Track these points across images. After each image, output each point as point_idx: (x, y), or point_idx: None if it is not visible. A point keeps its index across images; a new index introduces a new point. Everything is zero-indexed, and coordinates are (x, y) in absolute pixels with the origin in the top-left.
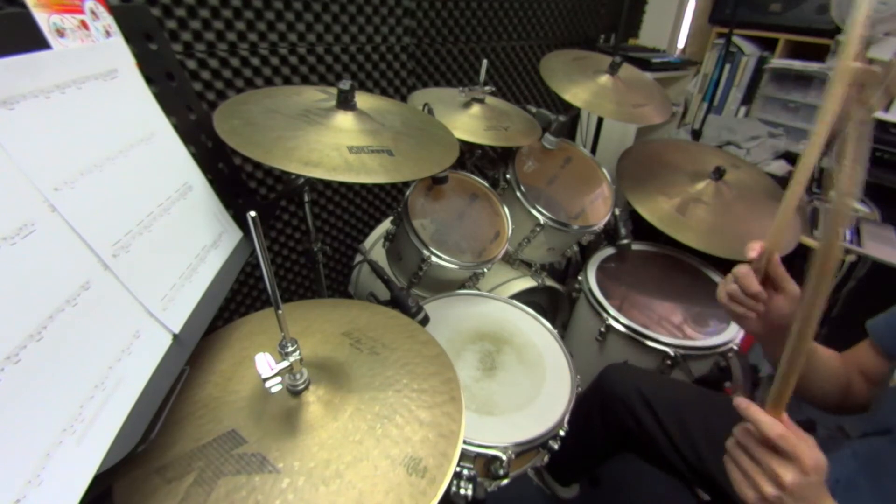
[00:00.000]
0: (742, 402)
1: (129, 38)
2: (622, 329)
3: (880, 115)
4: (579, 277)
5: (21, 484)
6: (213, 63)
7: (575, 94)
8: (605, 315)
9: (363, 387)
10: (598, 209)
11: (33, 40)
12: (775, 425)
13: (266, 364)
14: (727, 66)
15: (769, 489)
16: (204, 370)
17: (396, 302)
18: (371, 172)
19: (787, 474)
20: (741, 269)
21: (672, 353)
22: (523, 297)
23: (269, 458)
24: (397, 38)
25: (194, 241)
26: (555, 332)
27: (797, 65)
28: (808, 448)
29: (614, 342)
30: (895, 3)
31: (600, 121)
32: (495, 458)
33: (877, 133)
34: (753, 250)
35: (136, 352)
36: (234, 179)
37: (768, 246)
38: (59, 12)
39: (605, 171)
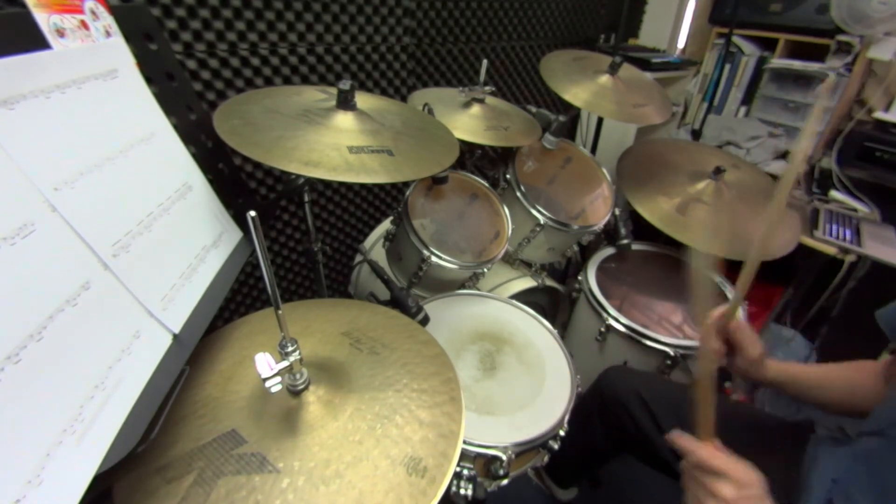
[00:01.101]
0: (675, 436)
1: (129, 38)
2: (622, 329)
3: (880, 115)
4: (579, 277)
5: (21, 484)
6: (213, 63)
7: (575, 94)
8: (605, 315)
9: (363, 387)
10: (598, 209)
11: (33, 40)
12: (703, 448)
13: (266, 364)
14: (727, 66)
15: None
16: (204, 370)
17: (396, 302)
18: (371, 172)
19: (724, 488)
20: (708, 327)
21: (672, 353)
22: (523, 297)
23: (269, 458)
24: (397, 38)
25: (194, 241)
26: (555, 332)
27: (797, 65)
28: (739, 465)
29: (614, 342)
30: (895, 3)
31: (600, 121)
32: (495, 458)
33: (877, 133)
34: (717, 313)
35: (136, 352)
36: (234, 179)
37: (728, 313)
38: (59, 12)
39: (605, 171)
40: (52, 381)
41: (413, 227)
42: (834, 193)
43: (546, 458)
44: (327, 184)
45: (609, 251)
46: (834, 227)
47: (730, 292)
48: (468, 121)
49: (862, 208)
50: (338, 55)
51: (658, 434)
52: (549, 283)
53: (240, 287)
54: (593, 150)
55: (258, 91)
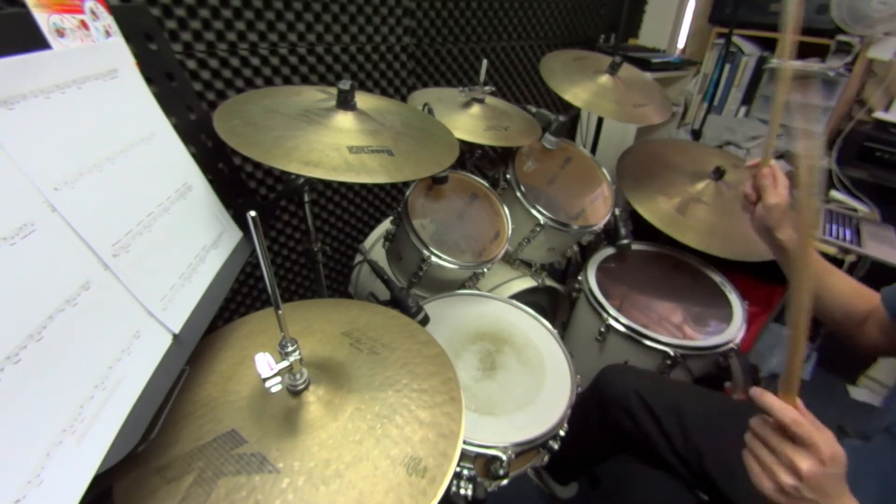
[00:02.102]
0: (757, 392)
1: (129, 38)
2: (622, 329)
3: (880, 115)
4: (579, 277)
5: (21, 484)
6: (213, 63)
7: (575, 94)
8: (605, 315)
9: (363, 387)
10: (598, 209)
11: (33, 40)
12: (788, 410)
13: (266, 364)
14: (727, 66)
15: (786, 478)
16: (204, 370)
17: (396, 302)
18: (371, 172)
19: (803, 462)
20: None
21: (672, 353)
22: (523, 297)
23: (269, 458)
24: (397, 38)
25: (194, 241)
26: (555, 332)
27: (797, 65)
28: (824, 437)
29: (614, 342)
30: (895, 3)
31: (600, 121)
32: (495, 458)
33: (877, 133)
34: (751, 162)
35: (136, 352)
36: (234, 179)
37: (761, 162)
38: (59, 12)
39: (605, 171)
40: (51, 381)
41: (413, 227)
42: (834, 193)
43: (546, 458)
44: (327, 184)
45: (609, 251)
46: (834, 227)
47: (731, 293)
48: (468, 121)
49: (862, 208)
50: (338, 55)
51: (659, 433)
52: (549, 283)
53: (240, 287)
54: (593, 150)
55: (258, 91)
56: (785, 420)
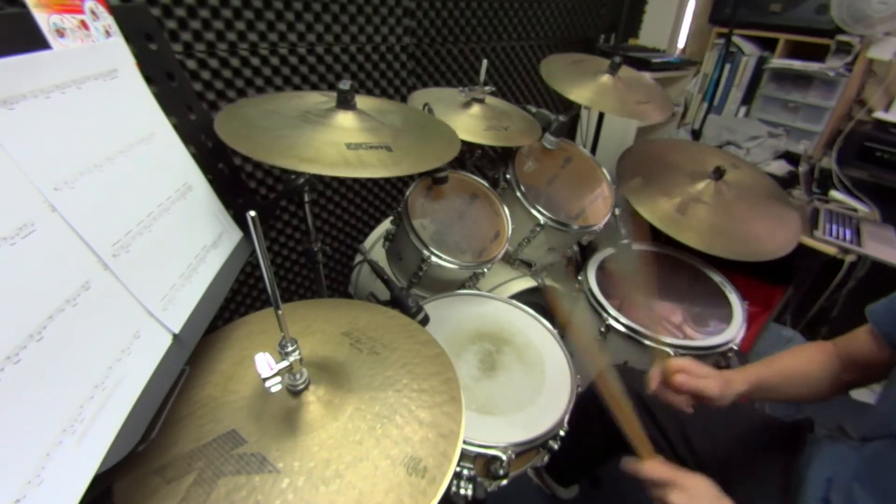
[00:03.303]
0: (629, 467)
1: (129, 38)
2: (622, 329)
3: (880, 115)
4: (579, 277)
5: (21, 484)
6: (213, 63)
7: (578, 94)
8: (605, 315)
9: (363, 387)
10: (598, 209)
11: (33, 40)
12: (646, 467)
13: (266, 364)
14: (727, 66)
15: None
16: (204, 370)
17: (396, 302)
18: (369, 167)
19: (674, 496)
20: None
21: (672, 353)
22: (523, 297)
23: (269, 458)
24: (397, 38)
25: (194, 241)
26: (555, 332)
27: (797, 65)
28: (684, 473)
29: (614, 342)
30: (895, 3)
31: (600, 121)
32: (495, 458)
33: (877, 133)
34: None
35: (136, 352)
36: (234, 179)
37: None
38: (59, 12)
39: (605, 171)
40: (51, 382)
41: (413, 227)
42: (834, 193)
43: (546, 458)
44: (327, 184)
45: (609, 251)
46: (834, 227)
47: (731, 293)
48: (468, 121)
49: (862, 208)
50: (338, 55)
51: (658, 434)
52: (549, 282)
53: (240, 287)
54: (593, 150)
55: (258, 98)
56: (647, 474)
